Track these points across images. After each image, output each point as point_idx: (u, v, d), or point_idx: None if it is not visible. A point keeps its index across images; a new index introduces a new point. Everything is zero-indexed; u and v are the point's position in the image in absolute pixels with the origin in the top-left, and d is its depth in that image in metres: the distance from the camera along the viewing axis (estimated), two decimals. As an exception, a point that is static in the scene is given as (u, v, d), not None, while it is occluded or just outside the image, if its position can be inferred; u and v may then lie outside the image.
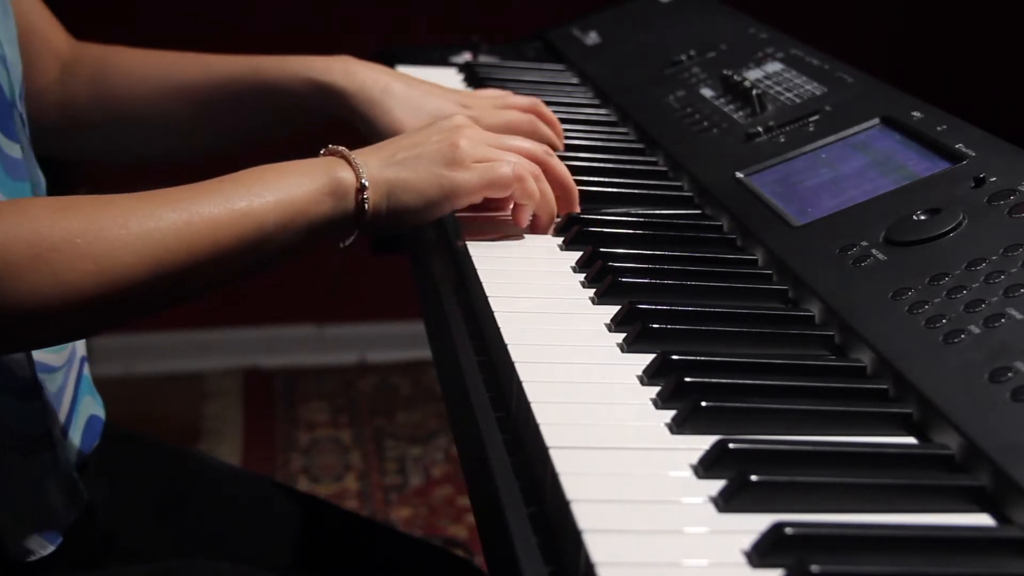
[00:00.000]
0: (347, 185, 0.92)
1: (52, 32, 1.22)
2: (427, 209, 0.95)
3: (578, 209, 1.06)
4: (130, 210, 0.83)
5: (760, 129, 1.16)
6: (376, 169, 0.93)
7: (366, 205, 0.92)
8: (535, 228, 1.03)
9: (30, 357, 0.95)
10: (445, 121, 1.00)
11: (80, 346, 1.06)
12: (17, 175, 0.97)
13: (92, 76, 1.21)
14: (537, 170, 1.00)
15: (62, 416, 1.00)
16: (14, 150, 0.97)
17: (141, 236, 0.82)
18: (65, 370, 1.01)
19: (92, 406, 1.07)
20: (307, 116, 1.21)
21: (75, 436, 1.03)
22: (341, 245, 0.95)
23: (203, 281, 0.87)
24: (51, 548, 0.96)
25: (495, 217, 1.04)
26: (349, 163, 0.93)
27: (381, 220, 0.94)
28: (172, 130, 1.22)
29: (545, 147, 1.04)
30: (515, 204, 1.00)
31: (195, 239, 0.84)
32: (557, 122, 1.23)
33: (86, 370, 1.08)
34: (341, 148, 0.95)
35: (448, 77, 1.61)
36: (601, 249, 0.97)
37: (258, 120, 1.22)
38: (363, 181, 0.92)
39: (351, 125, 1.18)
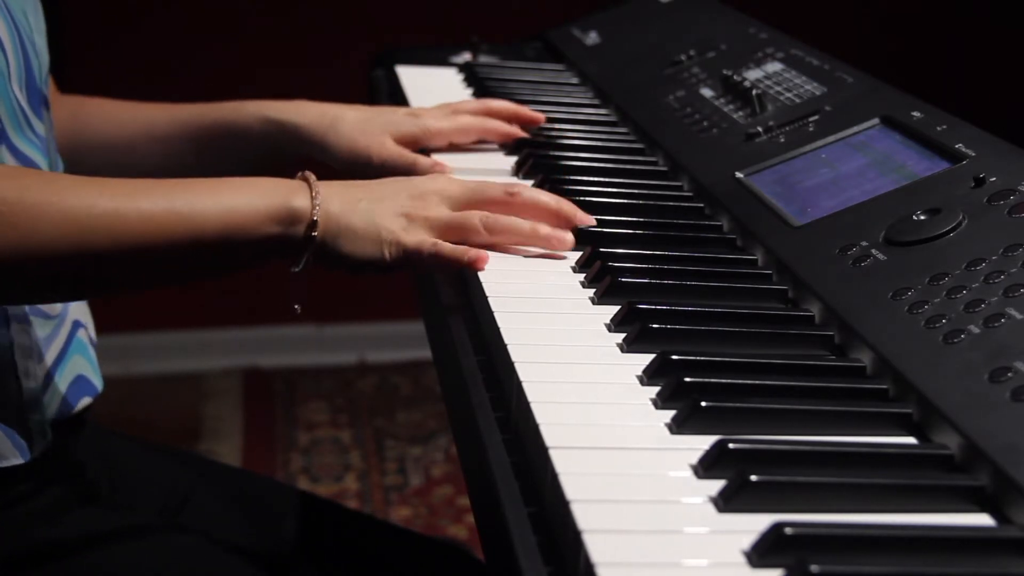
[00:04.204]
0: (299, 215, 0.91)
1: None
2: (361, 266, 0.93)
3: (580, 221, 1.01)
4: (68, 190, 0.86)
5: (760, 129, 1.16)
6: (335, 208, 0.92)
7: (314, 238, 0.91)
8: (548, 246, 0.99)
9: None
10: (420, 180, 0.99)
11: (74, 309, 1.09)
12: (42, 149, 1.03)
13: (69, 118, 1.24)
14: (472, 222, 0.96)
15: (46, 362, 1.03)
16: (39, 127, 1.03)
17: (69, 216, 0.84)
18: (56, 322, 1.05)
19: (83, 367, 1.09)
20: (263, 154, 1.24)
21: (59, 386, 1.05)
22: (293, 270, 0.94)
23: (131, 274, 0.90)
24: (19, 460, 0.98)
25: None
26: (311, 194, 0.92)
27: (326, 255, 0.93)
28: (137, 169, 1.24)
29: (505, 188, 0.99)
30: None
31: (123, 230, 0.86)
32: (515, 109, 1.27)
33: (82, 335, 1.10)
34: (311, 175, 0.94)
35: (448, 77, 1.61)
36: (601, 249, 0.97)
37: (219, 160, 1.25)
38: (315, 217, 0.91)
39: (311, 161, 1.18)
